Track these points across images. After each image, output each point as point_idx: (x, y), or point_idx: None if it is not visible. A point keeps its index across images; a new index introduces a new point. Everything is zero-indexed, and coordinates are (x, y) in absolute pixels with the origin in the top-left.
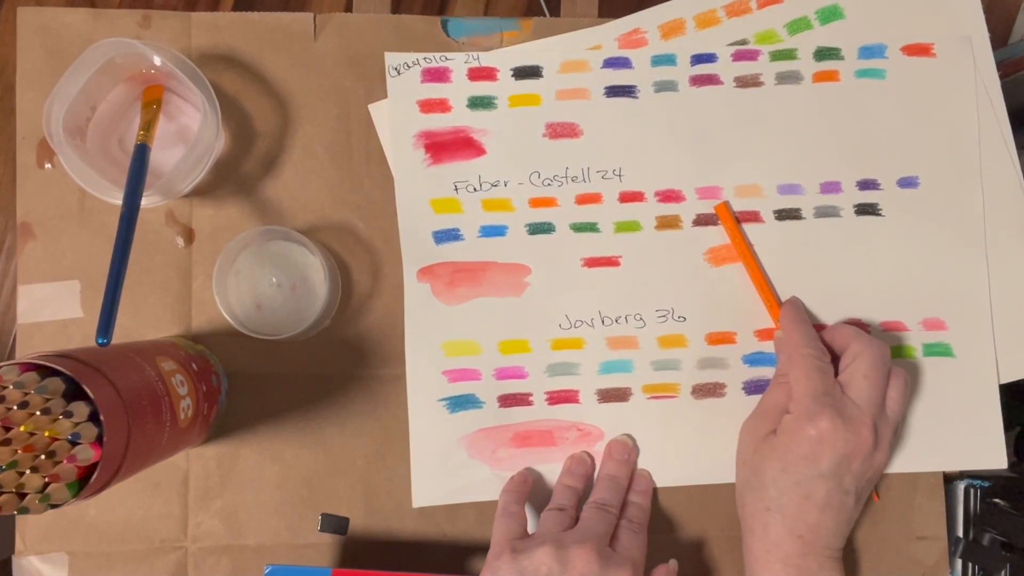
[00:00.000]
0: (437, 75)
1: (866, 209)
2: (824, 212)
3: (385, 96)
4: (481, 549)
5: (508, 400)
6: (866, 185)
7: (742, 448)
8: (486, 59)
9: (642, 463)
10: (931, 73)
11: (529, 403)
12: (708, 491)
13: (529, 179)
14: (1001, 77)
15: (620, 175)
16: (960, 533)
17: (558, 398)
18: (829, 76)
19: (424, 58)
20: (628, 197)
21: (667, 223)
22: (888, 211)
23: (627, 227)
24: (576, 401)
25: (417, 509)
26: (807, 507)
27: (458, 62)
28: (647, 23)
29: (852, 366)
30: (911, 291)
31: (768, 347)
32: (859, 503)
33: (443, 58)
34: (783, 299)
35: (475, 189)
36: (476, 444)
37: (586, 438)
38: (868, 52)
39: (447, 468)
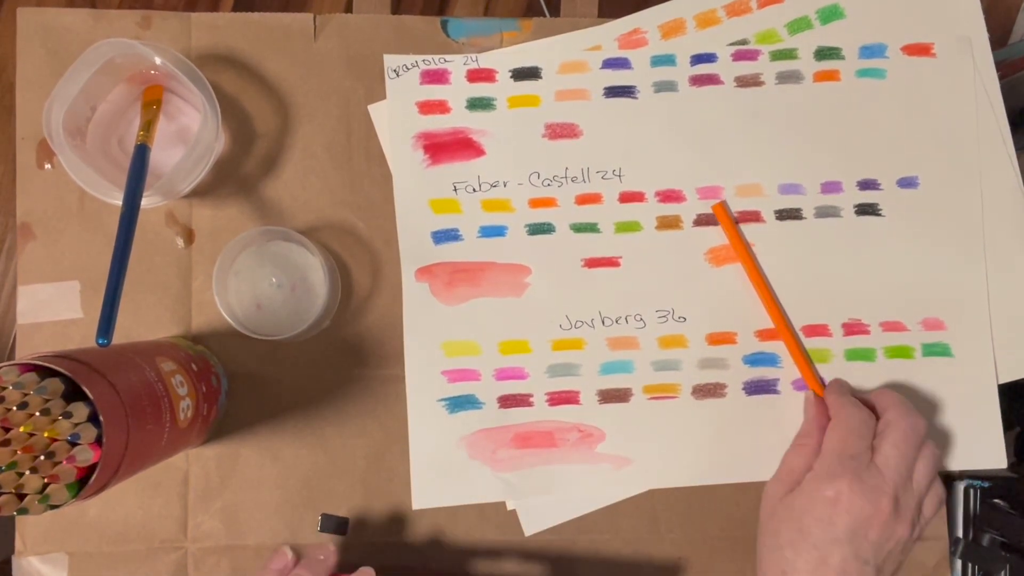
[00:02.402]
0: (436, 77)
1: (866, 209)
2: (825, 212)
3: (385, 96)
4: (481, 550)
5: (508, 401)
6: (866, 185)
7: (762, 511)
8: (485, 60)
9: (642, 463)
10: (931, 73)
11: (529, 404)
12: (708, 491)
13: (529, 179)
14: (1000, 78)
15: (620, 175)
16: (960, 533)
17: (559, 399)
18: (830, 76)
19: (423, 60)
20: (628, 197)
21: (667, 223)
22: (888, 211)
23: (627, 227)
24: (577, 402)
25: (417, 509)
26: (823, 572)
27: (457, 64)
28: (647, 23)
29: (883, 433)
30: (910, 291)
31: (768, 347)
32: None
33: (442, 60)
34: (782, 299)
35: (474, 190)
36: (476, 445)
37: (587, 439)
38: (868, 52)
39: (447, 469)
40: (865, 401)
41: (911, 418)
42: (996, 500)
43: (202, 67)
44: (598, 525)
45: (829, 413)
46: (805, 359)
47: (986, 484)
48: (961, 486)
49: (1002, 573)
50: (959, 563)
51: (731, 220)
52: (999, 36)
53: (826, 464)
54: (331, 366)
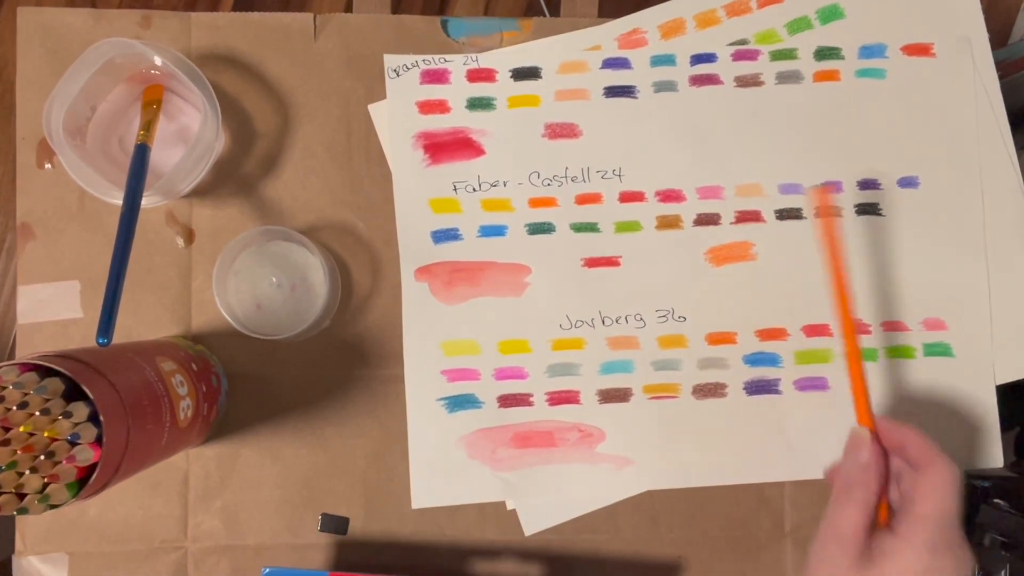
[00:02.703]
0: (436, 77)
1: (866, 209)
2: (825, 212)
3: (385, 96)
4: (481, 550)
5: (508, 400)
6: (866, 185)
7: None
8: (485, 60)
9: (643, 463)
10: (931, 73)
11: (530, 404)
12: (708, 491)
13: (529, 179)
14: (1000, 77)
15: (620, 175)
16: None
17: (559, 399)
18: (829, 76)
19: (423, 60)
20: (628, 197)
21: (667, 223)
22: (888, 211)
23: (627, 227)
24: (577, 402)
25: (417, 509)
26: None
27: (457, 64)
28: (647, 23)
29: (942, 490)
30: (911, 291)
31: (768, 347)
32: None
33: (442, 60)
34: (783, 298)
35: (474, 189)
36: (475, 444)
37: (587, 439)
38: (868, 52)
39: (446, 468)
40: (885, 441)
41: (957, 469)
42: (996, 500)
43: (202, 67)
44: (598, 525)
45: (911, 457)
46: (864, 387)
47: (986, 484)
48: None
49: (1002, 573)
50: None
51: (831, 210)
52: (999, 36)
53: (925, 533)
54: (331, 366)
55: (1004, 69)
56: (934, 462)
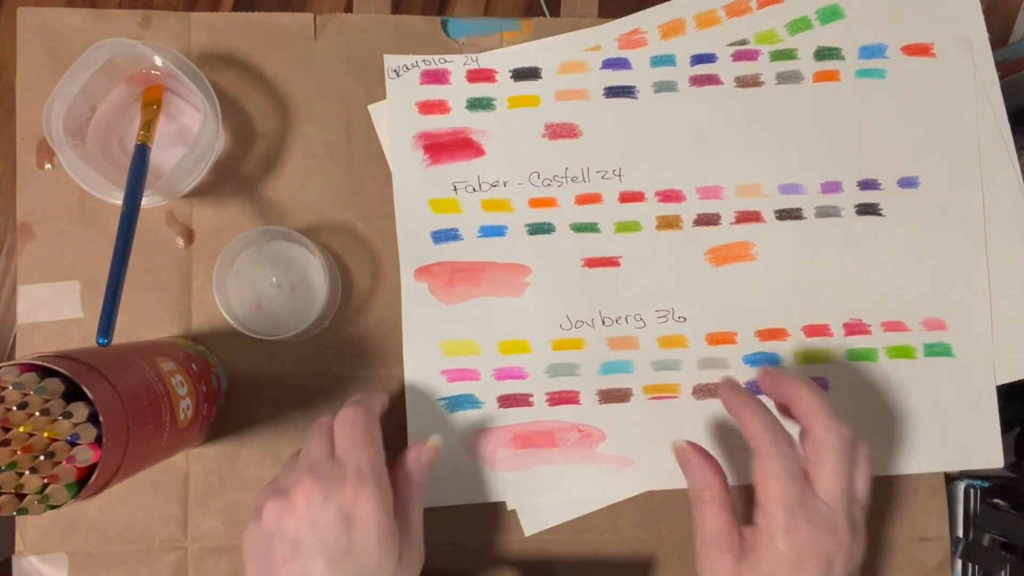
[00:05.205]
0: (436, 77)
1: (867, 209)
2: (825, 212)
3: (385, 96)
4: (481, 550)
5: (508, 400)
6: (867, 185)
7: None
8: (485, 61)
9: (643, 464)
10: (931, 73)
11: (529, 404)
12: None
13: (529, 179)
14: (1001, 77)
15: (620, 175)
16: (960, 533)
17: (559, 399)
18: (829, 76)
19: (423, 60)
20: (628, 197)
21: (667, 223)
22: (889, 211)
23: (627, 227)
24: (577, 402)
25: None
26: None
27: (457, 64)
28: (647, 23)
29: (818, 460)
30: (912, 291)
31: (769, 347)
32: None
33: (442, 60)
34: (783, 299)
35: (474, 189)
36: (476, 444)
37: (587, 439)
38: (868, 52)
39: (446, 468)
40: (774, 395)
41: (840, 430)
42: (996, 500)
43: (202, 67)
44: (598, 525)
45: (798, 419)
46: None
47: (986, 484)
48: (961, 486)
49: (1002, 573)
50: (959, 563)
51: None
52: (999, 36)
53: (776, 519)
54: (331, 366)
55: (1004, 69)
56: (757, 458)
